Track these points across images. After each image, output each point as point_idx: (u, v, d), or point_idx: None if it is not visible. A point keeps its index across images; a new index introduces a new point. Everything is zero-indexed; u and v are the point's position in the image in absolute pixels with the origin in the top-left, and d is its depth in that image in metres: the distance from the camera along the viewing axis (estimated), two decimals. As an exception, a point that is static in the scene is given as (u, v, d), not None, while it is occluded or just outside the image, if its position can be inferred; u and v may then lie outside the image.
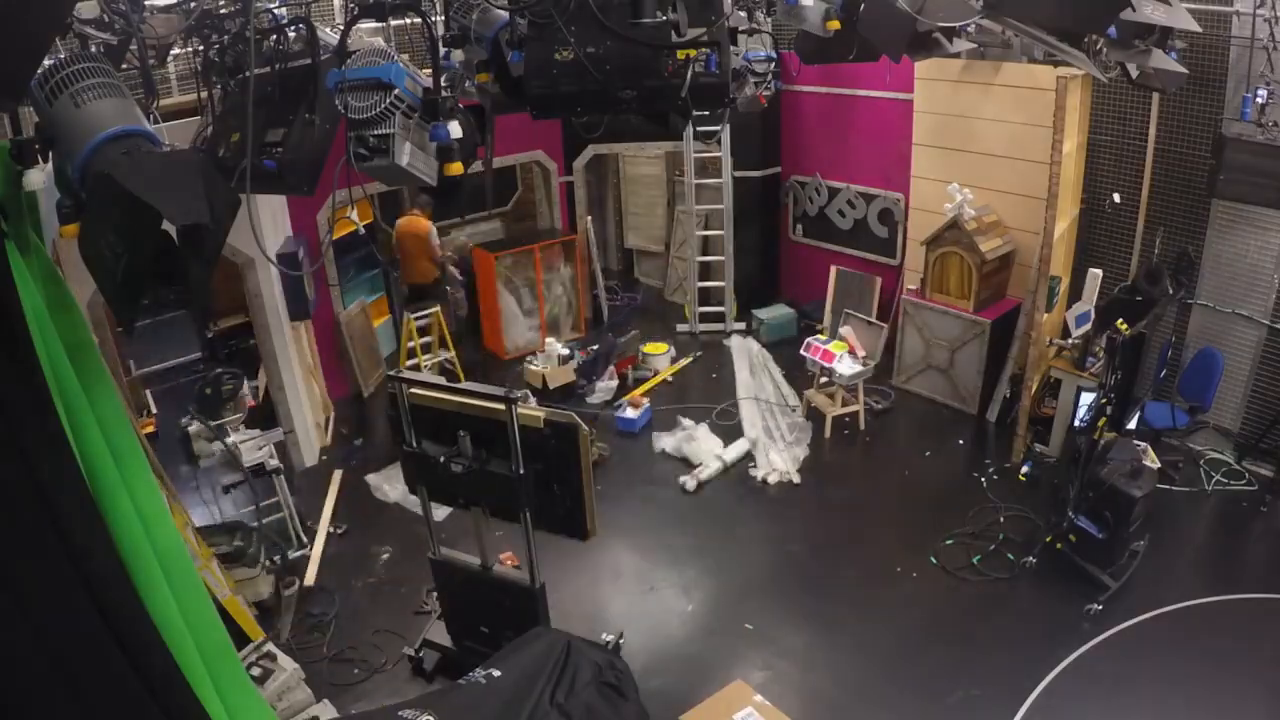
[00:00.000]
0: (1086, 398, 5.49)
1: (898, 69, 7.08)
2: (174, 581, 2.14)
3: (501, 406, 3.87)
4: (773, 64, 5.52)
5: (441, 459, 4.12)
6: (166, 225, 1.93)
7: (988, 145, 6.94)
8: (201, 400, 5.34)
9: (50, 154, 2.17)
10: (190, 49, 4.08)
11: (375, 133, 2.39)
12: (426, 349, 7.83)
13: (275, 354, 6.41)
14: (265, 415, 6.49)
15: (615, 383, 7.87)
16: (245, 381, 5.90)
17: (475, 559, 4.52)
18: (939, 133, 7.26)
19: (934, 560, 5.48)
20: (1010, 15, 3.47)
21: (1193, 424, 6.25)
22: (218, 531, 5.29)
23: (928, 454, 6.82)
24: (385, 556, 5.74)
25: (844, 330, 7.22)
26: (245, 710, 2.42)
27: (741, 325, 8.99)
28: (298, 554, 5.64)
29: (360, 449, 7.09)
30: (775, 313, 8.95)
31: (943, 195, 6.83)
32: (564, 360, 7.74)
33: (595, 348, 8.02)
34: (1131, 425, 5.64)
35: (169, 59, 4.79)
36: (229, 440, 5.15)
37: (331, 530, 6.01)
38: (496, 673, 3.47)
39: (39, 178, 2.18)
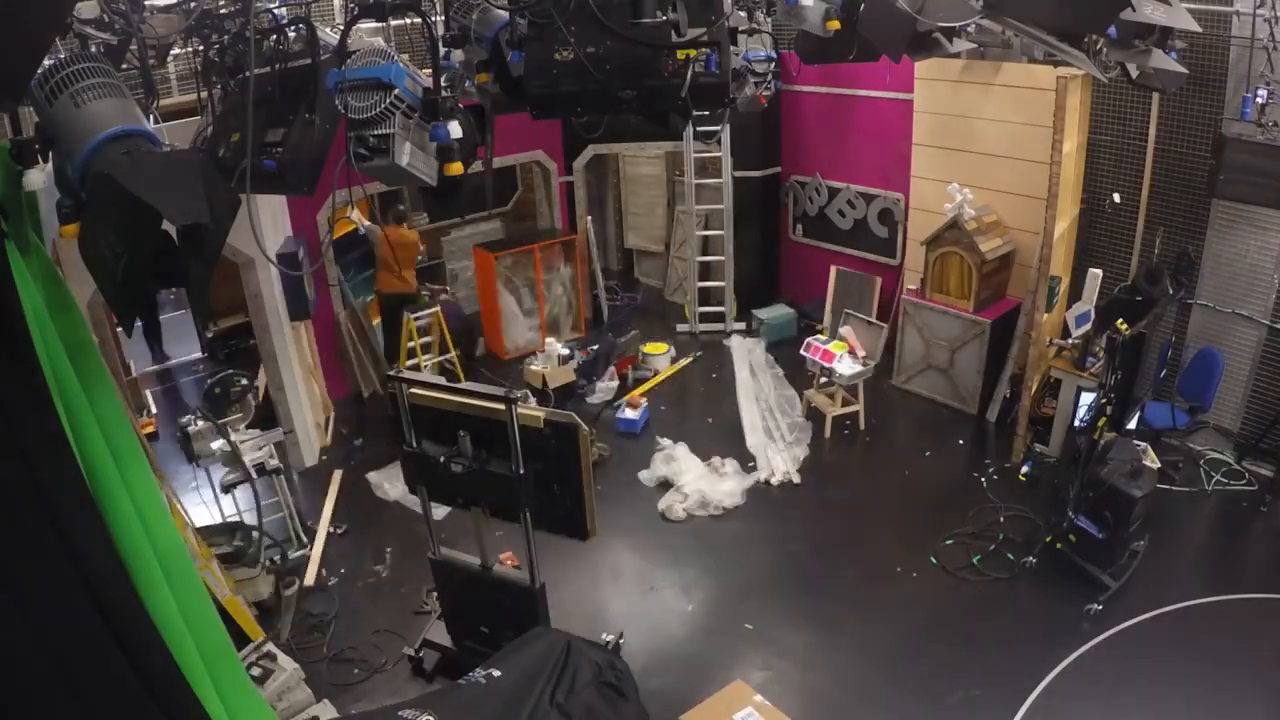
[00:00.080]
0: (1086, 398, 5.48)
1: (898, 69, 7.08)
2: (174, 581, 2.15)
3: (501, 406, 3.88)
4: (773, 64, 5.52)
5: (441, 459, 4.12)
6: (166, 225, 1.93)
7: (988, 145, 6.94)
8: (210, 399, 5.36)
9: (50, 154, 2.17)
10: (190, 49, 4.08)
11: (375, 133, 2.39)
12: (426, 349, 7.82)
13: (275, 354, 6.42)
14: (265, 415, 6.49)
15: (615, 383, 7.87)
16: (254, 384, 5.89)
17: (475, 559, 4.52)
18: (939, 133, 7.26)
19: (934, 560, 5.48)
20: (1010, 15, 3.48)
21: (1193, 424, 6.25)
22: (218, 531, 5.30)
23: (928, 454, 6.82)
24: (386, 557, 5.74)
25: (844, 330, 7.22)
26: (245, 710, 2.42)
27: (741, 325, 8.99)
28: (298, 554, 5.65)
29: (360, 449, 7.10)
30: (775, 313, 8.95)
31: (943, 195, 6.83)
32: (564, 360, 7.74)
33: (595, 348, 8.01)
34: (1131, 425, 5.64)
35: (169, 59, 4.80)
36: (232, 438, 5.16)
37: (331, 530, 6.02)
38: (496, 673, 3.47)
39: (39, 178, 2.18)
